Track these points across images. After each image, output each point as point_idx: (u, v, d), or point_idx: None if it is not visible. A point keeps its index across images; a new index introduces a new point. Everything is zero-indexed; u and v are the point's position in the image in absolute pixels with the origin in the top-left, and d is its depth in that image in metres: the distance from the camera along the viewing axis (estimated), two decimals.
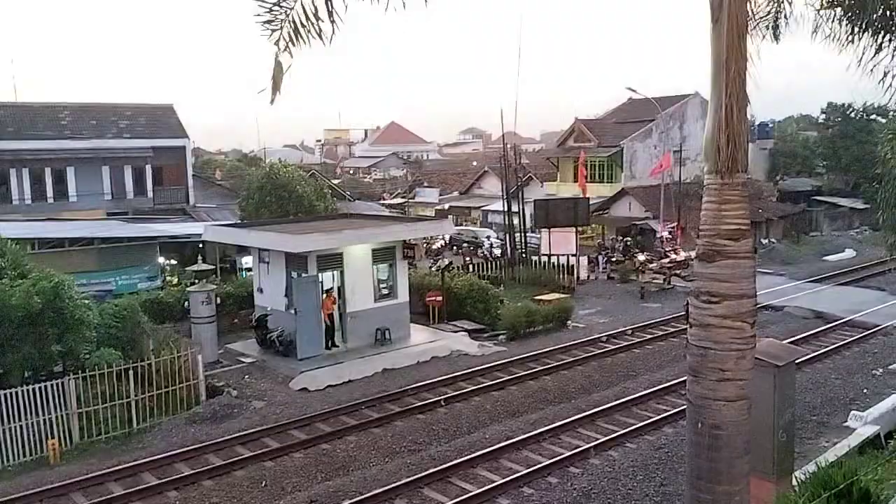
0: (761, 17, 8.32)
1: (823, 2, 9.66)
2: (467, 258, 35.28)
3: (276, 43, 7.22)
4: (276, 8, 7.12)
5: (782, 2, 9.39)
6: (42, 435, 15.42)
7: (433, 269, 29.89)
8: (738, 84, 5.53)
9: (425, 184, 69.21)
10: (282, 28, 7.17)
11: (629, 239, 39.91)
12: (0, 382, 16.37)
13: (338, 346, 21.69)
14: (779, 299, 28.17)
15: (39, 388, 15.55)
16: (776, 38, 7.72)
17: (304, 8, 7.03)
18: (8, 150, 35.92)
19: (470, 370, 20.23)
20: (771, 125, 60.67)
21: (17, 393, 15.25)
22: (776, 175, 53.99)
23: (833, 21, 9.69)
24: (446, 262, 29.26)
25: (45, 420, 15.52)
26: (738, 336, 5.78)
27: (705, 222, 5.89)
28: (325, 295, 21.57)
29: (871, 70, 9.12)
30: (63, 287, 16.66)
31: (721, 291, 5.78)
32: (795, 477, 11.21)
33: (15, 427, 15.13)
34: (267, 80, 7.13)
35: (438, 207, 57.83)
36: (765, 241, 41.44)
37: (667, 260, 33.61)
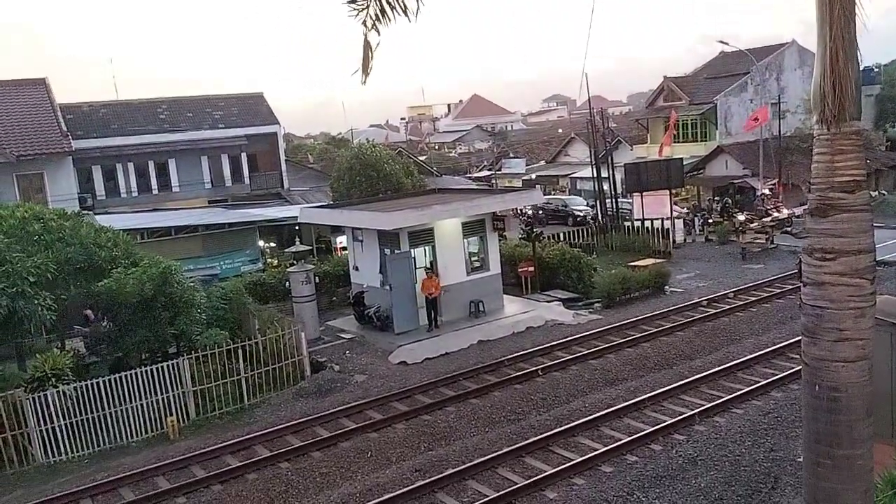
0: None
1: None
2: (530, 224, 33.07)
3: (364, 22, 7.25)
4: None
5: None
6: (161, 412, 16.36)
7: (522, 237, 29.63)
8: (845, 25, 5.17)
9: (511, 155, 68.74)
10: (368, 6, 7.19)
11: (727, 199, 38.46)
12: (120, 364, 17.49)
13: (439, 326, 21.44)
14: (893, 254, 26.56)
15: (156, 368, 16.48)
16: None
17: None
18: (113, 147, 37.91)
19: (566, 339, 20.09)
20: (876, 69, 56.81)
21: (136, 374, 16.21)
22: (884, 123, 50.68)
23: None
24: (537, 230, 28.90)
25: (163, 398, 16.45)
26: (856, 293, 5.46)
27: (817, 175, 5.57)
28: (426, 275, 21.39)
29: None
30: (171, 272, 17.54)
31: (837, 247, 5.46)
32: None
33: (136, 406, 16.12)
34: (356, 61, 7.19)
35: (526, 178, 57.37)
36: (874, 193, 39.08)
37: (769, 218, 32.20)
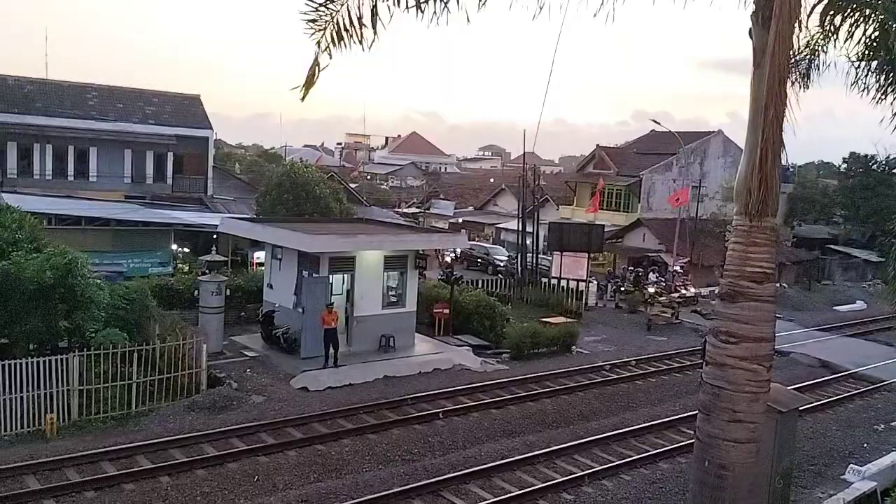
0: (794, 63, 8.33)
1: (858, 54, 9.68)
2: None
3: (318, 43, 7.29)
4: (323, 9, 7.19)
5: (817, 51, 9.42)
6: (41, 408, 15.48)
7: (441, 278, 29.87)
8: (776, 129, 5.55)
9: (441, 196, 69.42)
10: (325, 29, 7.24)
11: (640, 269, 39.85)
12: (4, 353, 16.49)
13: (336, 368, 20.24)
14: (786, 345, 28.02)
15: (43, 361, 15.63)
16: (806, 85, 7.75)
17: (349, 12, 7.10)
18: (34, 125, 36.33)
19: (470, 385, 20.18)
20: (791, 169, 60.59)
21: (20, 364, 15.32)
22: (793, 220, 53.87)
23: (867, 74, 9.71)
24: (457, 274, 29.21)
25: (45, 394, 15.58)
26: (753, 378, 5.77)
27: (731, 262, 5.90)
28: (325, 309, 20.47)
29: None
30: (76, 264, 16.78)
31: (741, 332, 5.77)
32: None
33: (15, 398, 15.19)
34: (299, 78, 7.20)
35: (452, 220, 57.96)
36: (776, 286, 41.30)
37: (676, 294, 33.51)
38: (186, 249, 32.27)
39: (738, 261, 5.84)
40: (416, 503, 13.40)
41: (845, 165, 57.44)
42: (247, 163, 69.83)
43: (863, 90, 9.35)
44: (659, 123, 44.74)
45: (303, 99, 7.32)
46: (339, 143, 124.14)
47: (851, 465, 15.80)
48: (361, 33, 7.53)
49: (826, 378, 24.28)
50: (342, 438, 16.07)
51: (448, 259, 40.63)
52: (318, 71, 7.28)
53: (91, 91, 40.37)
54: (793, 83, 8.82)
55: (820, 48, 9.41)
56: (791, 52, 6.65)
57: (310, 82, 7.22)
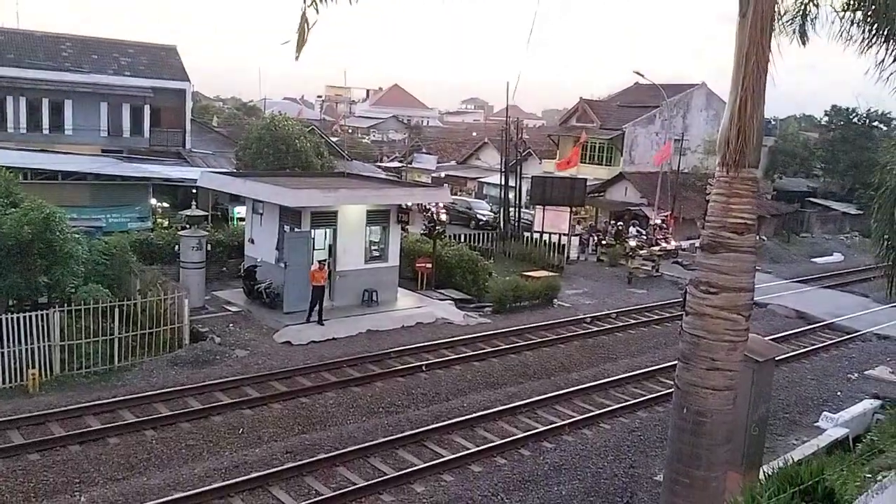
0: (786, 17, 8.24)
1: (844, 4, 9.60)
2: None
3: None
4: None
5: (809, 2, 9.31)
6: (23, 364, 15.43)
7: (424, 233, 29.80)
8: (757, 79, 5.52)
9: (424, 150, 68.86)
10: None
11: (621, 223, 40.01)
12: None
13: (322, 325, 20.15)
14: (764, 296, 28.45)
15: (23, 317, 15.52)
16: (803, 41, 7.66)
17: None
18: (6, 77, 35.43)
19: (453, 339, 20.35)
20: (773, 123, 60.73)
21: (0, 320, 15.21)
22: (774, 173, 54.16)
23: (852, 25, 9.66)
24: (440, 228, 29.15)
25: (26, 349, 15.52)
26: (732, 328, 5.86)
27: (712, 214, 5.93)
28: (317, 265, 20.55)
29: (888, 78, 9.10)
30: (54, 219, 16.56)
31: (720, 283, 5.84)
32: (763, 471, 11.49)
33: None
34: (279, 30, 7.02)
35: (435, 175, 57.63)
36: (756, 238, 41.71)
37: (657, 248, 33.77)
38: (166, 204, 31.91)
39: (719, 212, 5.88)
40: (400, 453, 13.61)
41: (826, 118, 57.61)
42: (225, 116, 68.81)
43: (847, 41, 9.31)
44: (643, 76, 44.44)
45: (297, 58, 7.19)
46: (320, 97, 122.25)
47: (825, 413, 16.24)
48: None
49: (802, 329, 24.77)
50: (326, 391, 16.21)
51: (444, 217, 40.13)
52: (308, 28, 7.11)
53: (65, 42, 39.32)
54: (781, 33, 8.75)
55: (812, 1, 9.32)
56: (780, 4, 6.60)
57: (301, 39, 7.06)
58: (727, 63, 5.78)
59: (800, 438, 15.30)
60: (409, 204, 24.95)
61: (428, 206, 39.30)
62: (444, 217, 39.46)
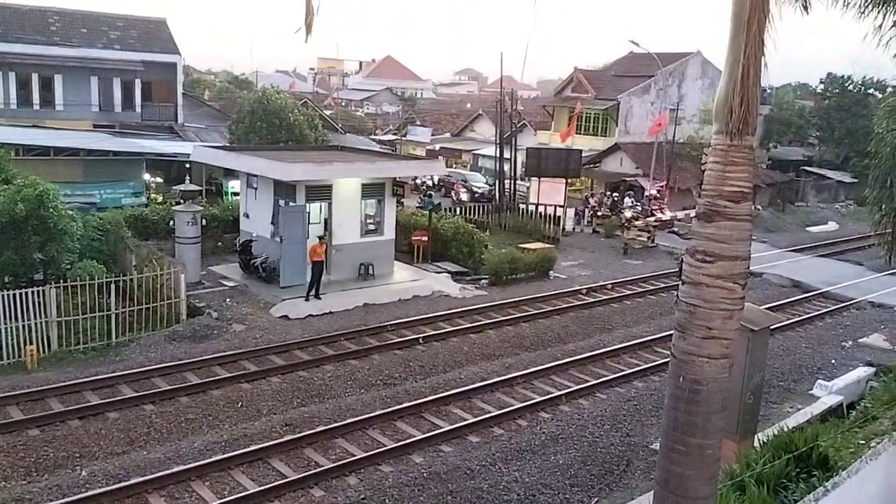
0: None
1: None
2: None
3: None
4: None
5: None
6: (20, 340, 15.46)
7: (419, 206, 29.75)
8: (757, 44, 5.48)
9: (418, 122, 68.52)
10: None
11: (616, 194, 39.99)
12: None
13: (319, 299, 20.20)
14: (759, 266, 28.54)
15: (19, 293, 15.52)
16: (805, 9, 7.56)
17: None
18: None
19: (450, 311, 20.41)
20: (768, 91, 60.42)
21: None
22: (769, 142, 54.06)
23: None
24: (435, 201, 29.13)
25: (23, 326, 15.54)
26: (728, 296, 5.86)
27: (708, 182, 5.91)
28: (316, 240, 20.57)
29: (887, 43, 9.03)
30: (48, 196, 16.52)
31: (717, 252, 5.83)
32: (758, 438, 11.64)
33: None
34: (295, 16, 6.91)
35: (429, 147, 57.38)
36: (752, 207, 41.74)
37: (652, 218, 33.80)
38: (159, 179, 31.79)
39: (715, 180, 5.86)
40: (398, 424, 13.71)
41: (822, 86, 57.37)
42: (217, 89, 68.16)
43: (845, 6, 9.21)
44: (637, 44, 44.14)
45: (306, 40, 7.11)
46: (312, 69, 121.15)
47: (819, 381, 16.37)
48: None
49: (797, 297, 24.88)
50: (324, 365, 16.28)
51: (464, 196, 39.64)
52: (314, 14, 6.98)
53: (53, 15, 38.75)
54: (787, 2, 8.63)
55: None
56: None
57: (309, 26, 6.94)
58: (719, 33, 5.74)
59: (794, 406, 15.45)
60: (416, 177, 24.65)
61: (424, 181, 39.11)
62: (464, 196, 39.31)
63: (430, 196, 28.97)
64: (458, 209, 32.94)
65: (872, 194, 20.82)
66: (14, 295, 15.43)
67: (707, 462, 6.21)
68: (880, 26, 9.17)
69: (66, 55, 36.82)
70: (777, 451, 9.88)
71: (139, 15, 42.24)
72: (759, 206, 43.09)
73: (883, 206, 20.27)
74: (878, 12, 9.12)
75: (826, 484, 7.75)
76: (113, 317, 16.84)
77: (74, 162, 27.90)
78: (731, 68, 5.62)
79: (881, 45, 9.33)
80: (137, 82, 39.12)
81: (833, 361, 18.79)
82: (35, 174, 18.00)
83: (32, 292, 15.67)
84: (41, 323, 15.79)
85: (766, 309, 18.37)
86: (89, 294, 16.57)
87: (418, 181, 41.80)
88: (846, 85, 54.24)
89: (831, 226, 41.73)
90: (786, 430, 11.42)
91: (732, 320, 5.88)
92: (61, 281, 16.38)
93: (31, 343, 15.47)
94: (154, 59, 39.44)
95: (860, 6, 9.10)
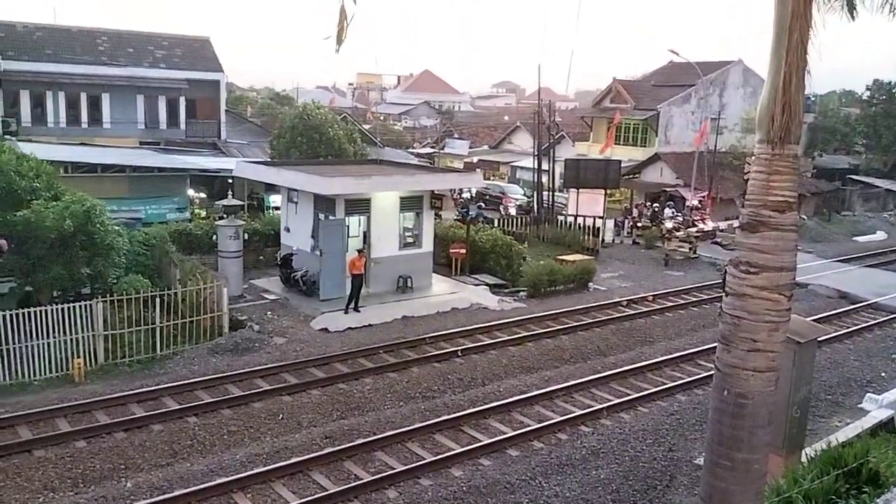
0: None
1: None
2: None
3: None
4: None
5: None
6: (68, 354, 15.82)
7: (457, 218, 29.75)
8: (800, 52, 5.38)
9: (455, 135, 68.72)
10: None
11: (657, 205, 39.51)
12: (29, 300, 16.79)
13: (358, 312, 20.25)
14: (804, 276, 27.90)
15: (68, 308, 15.89)
16: (851, 15, 7.36)
17: None
18: (45, 73, 36.14)
19: (488, 324, 20.34)
20: (812, 99, 59.26)
21: (45, 311, 15.59)
22: (813, 150, 52.95)
23: None
24: (474, 214, 29.12)
25: (71, 339, 15.90)
26: (773, 308, 5.74)
27: (752, 192, 5.80)
28: (355, 253, 20.64)
29: None
30: (95, 212, 16.92)
31: (761, 262, 5.72)
32: (805, 453, 11.33)
33: (43, 344, 15.52)
34: (325, 27, 6.99)
35: (467, 160, 57.51)
36: (797, 216, 40.89)
37: (694, 229, 33.30)
38: (202, 194, 32.35)
39: (759, 190, 5.75)
40: (437, 437, 13.67)
41: (868, 93, 56.07)
42: (258, 106, 69.39)
43: (893, 12, 8.97)
44: (677, 54, 43.68)
45: (337, 51, 7.20)
46: (351, 84, 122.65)
47: (869, 394, 15.92)
48: None
49: (845, 309, 24.24)
50: (363, 377, 16.34)
51: (513, 211, 39.59)
52: (347, 23, 7.07)
53: (101, 36, 39.95)
54: (832, 8, 8.45)
55: None
56: None
57: (340, 33, 7.03)
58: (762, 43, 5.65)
59: (843, 420, 15.02)
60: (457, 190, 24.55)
61: (462, 194, 39.02)
62: (512, 211, 39.28)
63: (481, 208, 28.85)
64: (496, 221, 32.87)
65: None
66: (62, 309, 15.81)
67: (753, 477, 6.06)
68: None
69: (113, 74, 37.92)
70: (825, 467, 9.60)
71: (184, 34, 43.28)
72: (804, 216, 42.16)
73: None
74: None
75: (877, 501, 7.52)
76: (158, 330, 17.15)
77: (121, 178, 28.59)
78: (773, 76, 5.52)
79: None
80: (182, 100, 40.03)
81: (883, 374, 18.25)
82: (83, 191, 18.47)
83: (80, 306, 16.04)
84: (88, 336, 16.15)
85: (813, 321, 17.94)
86: (135, 308, 16.91)
87: (464, 194, 41.85)
88: (893, 91, 52.92)
89: (879, 235, 40.62)
90: (834, 444, 11.10)
91: (778, 332, 5.75)
92: (108, 295, 16.74)
93: (78, 356, 15.82)
94: (198, 77, 40.36)
95: None
